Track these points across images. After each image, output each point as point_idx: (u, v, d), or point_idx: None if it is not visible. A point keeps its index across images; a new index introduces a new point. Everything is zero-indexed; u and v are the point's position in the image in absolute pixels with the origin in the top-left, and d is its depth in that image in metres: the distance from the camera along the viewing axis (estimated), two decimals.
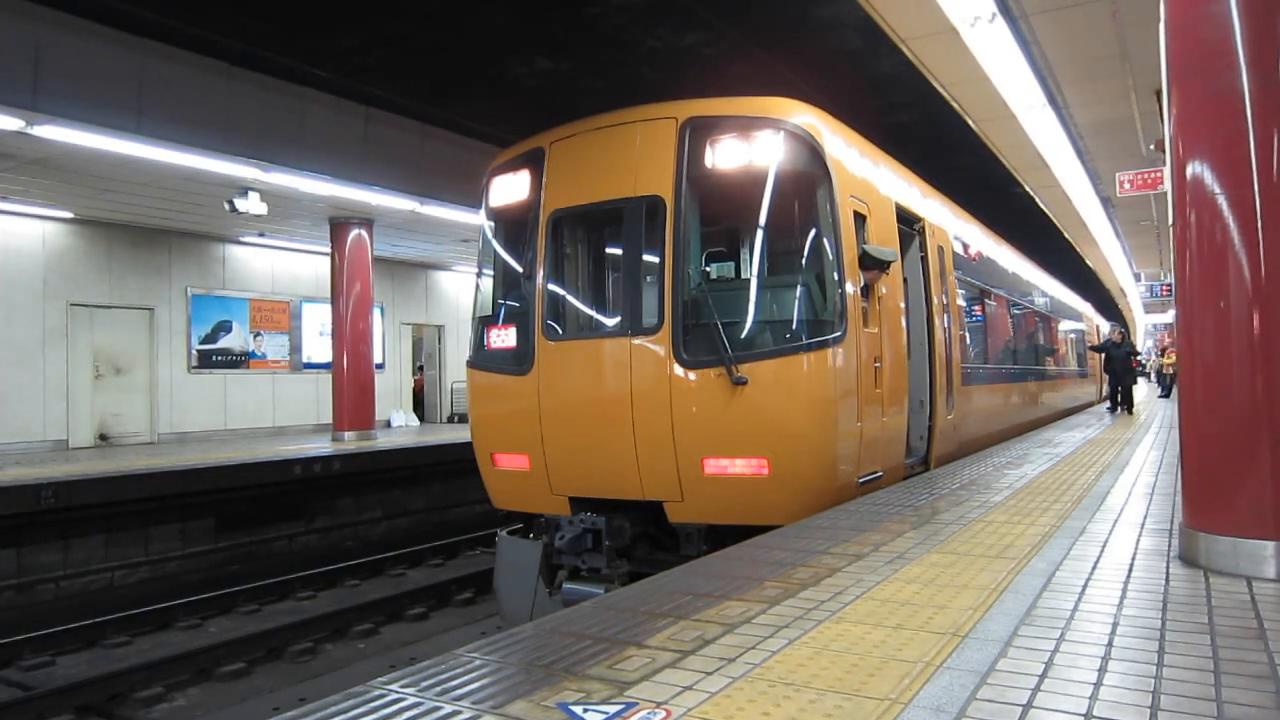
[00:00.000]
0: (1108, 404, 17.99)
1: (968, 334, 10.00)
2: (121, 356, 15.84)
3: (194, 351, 16.90)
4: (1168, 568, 4.13)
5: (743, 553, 4.71)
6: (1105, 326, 28.75)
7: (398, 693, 2.71)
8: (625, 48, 11.52)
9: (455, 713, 2.53)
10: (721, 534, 6.09)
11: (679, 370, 6.26)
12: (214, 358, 17.25)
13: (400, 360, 21.47)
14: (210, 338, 17.25)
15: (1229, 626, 3.18)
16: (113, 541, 10.56)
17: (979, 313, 11.53)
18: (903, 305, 7.80)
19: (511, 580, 7.34)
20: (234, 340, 17.67)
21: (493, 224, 7.72)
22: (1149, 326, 48.07)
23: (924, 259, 8.70)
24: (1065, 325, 20.13)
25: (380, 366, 18.76)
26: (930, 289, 8.69)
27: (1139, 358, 18.36)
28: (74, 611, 9.25)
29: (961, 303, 9.85)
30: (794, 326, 6.36)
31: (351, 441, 15.50)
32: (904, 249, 7.96)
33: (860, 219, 6.93)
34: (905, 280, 8.11)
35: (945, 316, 8.89)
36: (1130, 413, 17.00)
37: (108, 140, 10.03)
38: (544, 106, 10.88)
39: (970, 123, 12.16)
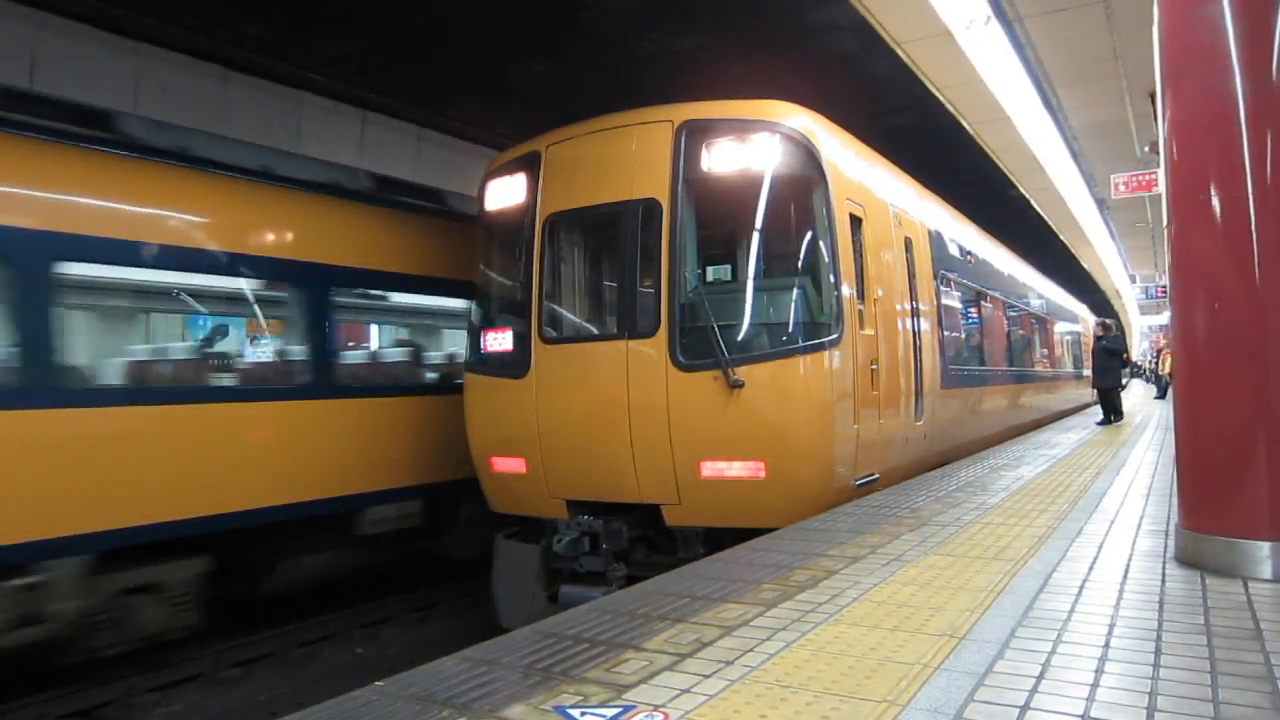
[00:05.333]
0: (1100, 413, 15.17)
1: (945, 333, 9.55)
2: None
3: None
4: (1164, 569, 4.14)
5: (740, 555, 4.71)
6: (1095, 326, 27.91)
7: (396, 696, 2.71)
8: (621, 51, 11.53)
9: (453, 716, 2.53)
10: (719, 536, 6.09)
11: (675, 373, 6.27)
12: None
13: None
14: (208, 342, 17.19)
15: (1225, 627, 3.18)
16: None
17: (959, 311, 10.96)
18: (899, 308, 7.79)
19: (509, 583, 7.34)
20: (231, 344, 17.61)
21: (489, 227, 7.72)
22: (1145, 328, 48.17)
23: None
24: (1058, 325, 19.75)
25: None
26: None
27: (1124, 353, 14.42)
28: None
29: (938, 300, 9.44)
30: (790, 329, 6.37)
31: None
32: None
33: (856, 221, 6.95)
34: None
35: (915, 315, 8.42)
36: (1116, 422, 14.50)
37: None
38: (540, 110, 10.88)
39: (966, 125, 12.20)
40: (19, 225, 6.02)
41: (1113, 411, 14.70)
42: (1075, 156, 14.12)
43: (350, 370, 9.13)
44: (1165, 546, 4.61)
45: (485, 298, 7.78)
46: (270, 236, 7.81)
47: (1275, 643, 2.98)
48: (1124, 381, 15.74)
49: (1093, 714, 2.42)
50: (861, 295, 6.83)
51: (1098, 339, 14.47)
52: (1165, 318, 32.37)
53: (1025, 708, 2.46)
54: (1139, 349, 49.26)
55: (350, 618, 8.94)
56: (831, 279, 6.45)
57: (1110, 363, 14.06)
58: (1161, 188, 4.85)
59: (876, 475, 7.02)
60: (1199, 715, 2.40)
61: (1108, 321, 15.06)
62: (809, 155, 6.50)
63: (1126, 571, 4.11)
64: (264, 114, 11.34)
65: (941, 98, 10.97)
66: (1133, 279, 30.44)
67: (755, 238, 6.65)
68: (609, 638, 3.24)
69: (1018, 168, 14.71)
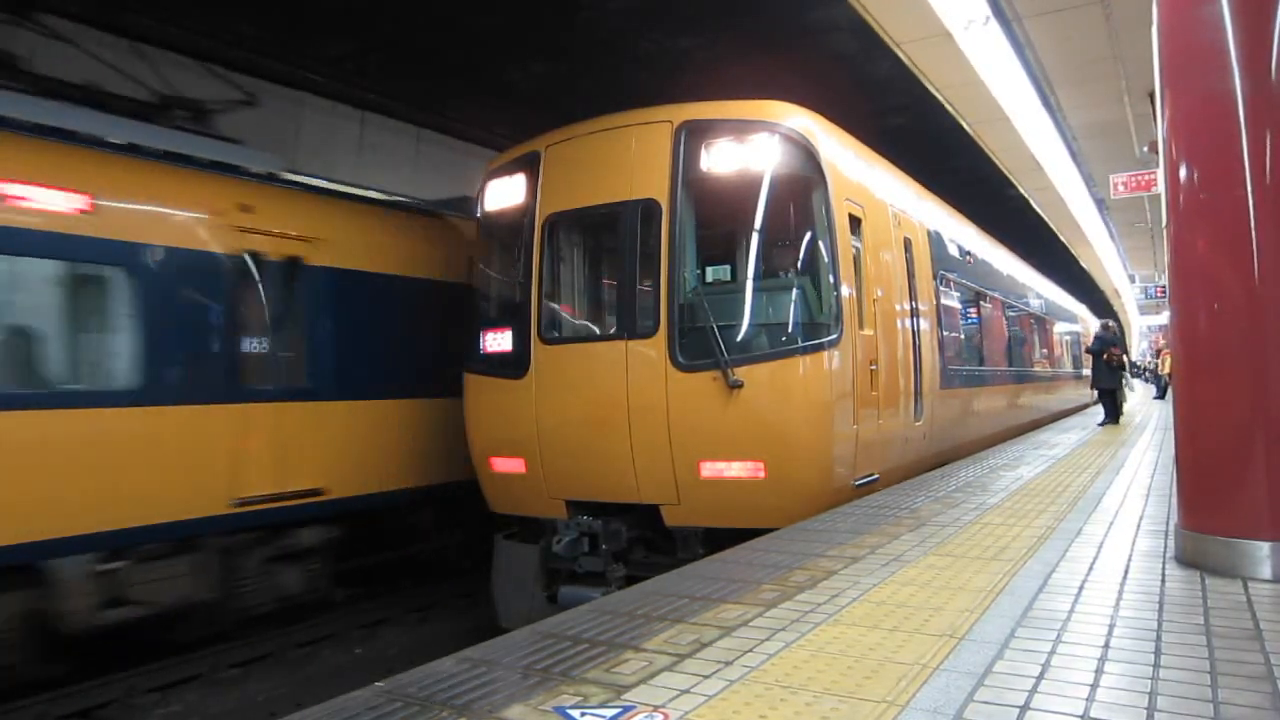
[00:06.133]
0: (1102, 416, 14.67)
1: (945, 333, 9.53)
2: None
3: None
4: (1164, 569, 4.14)
5: (739, 556, 4.71)
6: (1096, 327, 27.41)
7: (395, 696, 2.70)
8: (620, 51, 11.54)
9: (453, 716, 2.53)
10: (718, 537, 6.09)
11: (675, 373, 6.26)
12: None
13: None
14: None
15: (1225, 627, 3.18)
16: None
17: (959, 311, 10.92)
18: (899, 308, 7.79)
19: (509, 584, 7.33)
20: None
21: (488, 228, 7.72)
22: (1144, 328, 48.17)
23: None
24: (1057, 326, 19.73)
25: None
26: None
27: (1105, 354, 13.58)
28: None
29: (937, 300, 9.43)
30: (790, 329, 6.37)
31: None
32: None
33: (855, 221, 6.95)
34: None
35: (914, 315, 8.38)
36: (1115, 423, 14.18)
37: None
38: (540, 110, 10.89)
39: (965, 126, 12.20)
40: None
41: (1107, 414, 14.43)
42: (1074, 156, 14.12)
43: None
44: (1165, 547, 4.61)
45: (485, 298, 7.77)
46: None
47: (1275, 643, 2.98)
48: (1125, 383, 14.63)
49: (1092, 714, 2.41)
50: (860, 295, 6.83)
51: (1096, 339, 14.29)
52: (1165, 318, 32.37)
53: (1025, 708, 2.46)
54: (1138, 349, 49.18)
55: (349, 618, 8.93)
56: (831, 279, 6.45)
57: (1097, 364, 13.90)
58: (1161, 188, 4.84)
59: (876, 475, 7.02)
60: (1199, 715, 2.39)
61: (1107, 323, 14.83)
62: (808, 155, 6.50)
63: (1126, 572, 4.11)
64: (263, 114, 11.34)
65: (941, 98, 10.97)
66: (1132, 279, 30.45)
67: (755, 238, 6.65)
68: (608, 638, 3.23)
69: (1017, 168, 14.71)
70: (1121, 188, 13.82)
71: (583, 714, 2.50)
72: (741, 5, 10.46)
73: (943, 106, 11.31)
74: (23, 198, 5.95)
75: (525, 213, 7.14)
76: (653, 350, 6.36)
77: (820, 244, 6.48)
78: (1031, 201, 17.65)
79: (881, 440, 7.13)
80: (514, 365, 6.98)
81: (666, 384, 6.29)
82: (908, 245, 8.40)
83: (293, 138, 11.70)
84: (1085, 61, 9.84)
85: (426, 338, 8.85)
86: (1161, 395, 23.85)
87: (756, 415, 6.08)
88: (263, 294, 7.45)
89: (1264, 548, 3.84)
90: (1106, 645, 3.01)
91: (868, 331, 6.88)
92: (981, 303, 12.15)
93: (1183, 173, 4.14)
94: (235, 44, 10.52)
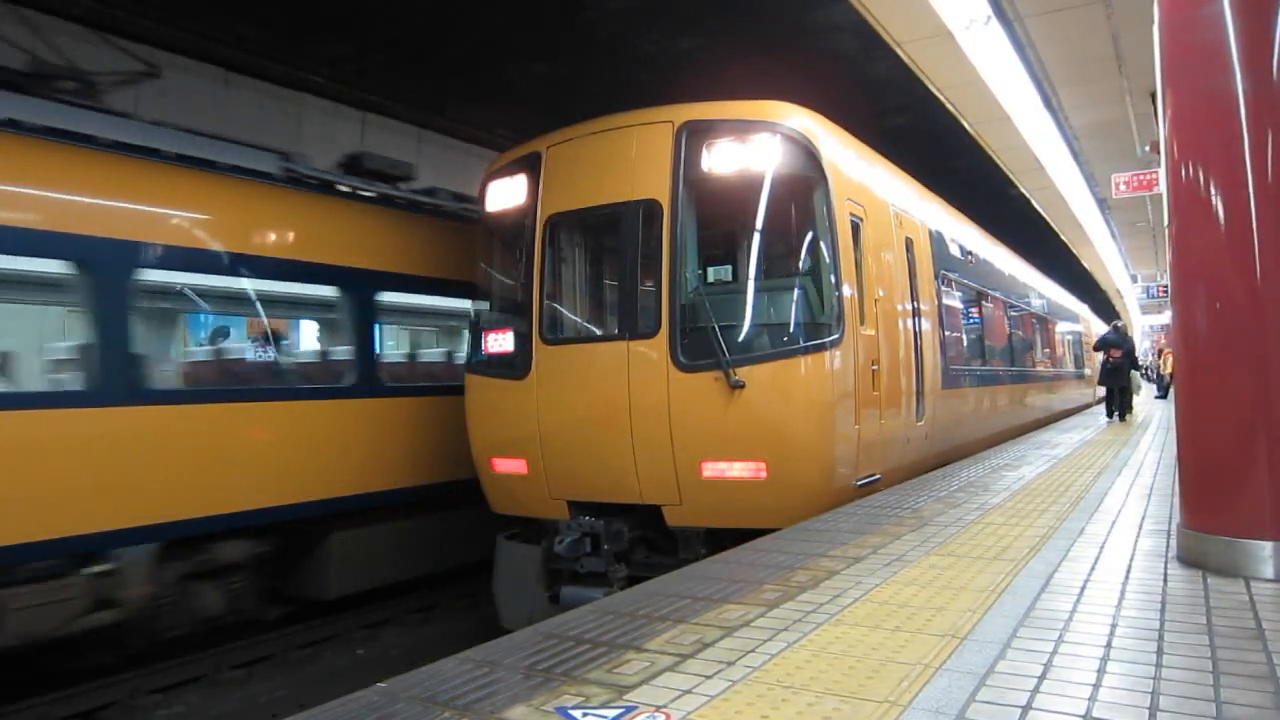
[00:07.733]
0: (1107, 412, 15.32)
1: (946, 333, 9.52)
2: None
3: None
4: (1166, 568, 4.14)
5: (741, 556, 4.70)
6: (1099, 329, 27.25)
7: (397, 697, 2.71)
8: (621, 52, 11.54)
9: (455, 717, 2.53)
10: (720, 537, 6.09)
11: (676, 373, 6.26)
12: None
13: None
14: (209, 343, 17.23)
15: (1227, 627, 3.18)
16: None
17: (960, 311, 10.94)
18: (900, 308, 7.78)
19: (510, 584, 7.33)
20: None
21: (490, 228, 7.73)
22: (1146, 328, 48.08)
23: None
24: (1059, 325, 19.73)
25: None
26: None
27: (1113, 351, 14.00)
28: None
29: (939, 300, 9.40)
30: (791, 329, 6.37)
31: None
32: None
33: (857, 221, 6.95)
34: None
35: (916, 315, 8.38)
36: (1123, 419, 14.78)
37: None
38: (540, 111, 10.89)
39: (966, 125, 12.20)
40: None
41: (1108, 411, 15.03)
42: (1075, 156, 14.11)
43: None
44: (1167, 546, 4.60)
45: (486, 298, 7.78)
46: None
47: (1277, 642, 2.98)
48: (1133, 382, 15.00)
49: (1095, 714, 2.41)
50: (862, 295, 6.83)
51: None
52: (1167, 317, 32.32)
53: (1027, 708, 2.45)
54: (1140, 348, 49.02)
55: (351, 619, 8.94)
56: (832, 279, 6.45)
57: (1103, 362, 14.36)
58: (1162, 187, 4.84)
59: (878, 475, 7.01)
60: (1201, 715, 2.39)
61: (1115, 324, 15.11)
62: (809, 155, 6.50)
63: (1128, 571, 4.11)
64: (264, 115, 11.36)
65: (941, 98, 10.97)
66: (1134, 279, 30.42)
67: (756, 238, 6.65)
68: (610, 638, 3.23)
69: (1018, 168, 14.71)
70: (1123, 187, 13.81)
71: (585, 714, 2.50)
72: (741, 5, 10.46)
73: (943, 106, 11.31)
74: None
75: (526, 213, 7.14)
76: (654, 350, 6.36)
77: (821, 244, 6.48)
78: (1033, 201, 17.65)
79: (883, 440, 7.13)
80: (516, 366, 6.98)
81: (668, 384, 6.29)
82: (909, 245, 8.40)
83: (295, 138, 11.71)
84: (1086, 61, 9.84)
85: None
86: (1163, 395, 23.82)
87: (758, 415, 6.08)
88: None
89: (1266, 547, 3.84)
90: (1108, 645, 3.01)
91: (869, 331, 6.88)
92: (983, 302, 12.14)
93: (1184, 172, 4.13)
94: (237, 46, 10.54)
